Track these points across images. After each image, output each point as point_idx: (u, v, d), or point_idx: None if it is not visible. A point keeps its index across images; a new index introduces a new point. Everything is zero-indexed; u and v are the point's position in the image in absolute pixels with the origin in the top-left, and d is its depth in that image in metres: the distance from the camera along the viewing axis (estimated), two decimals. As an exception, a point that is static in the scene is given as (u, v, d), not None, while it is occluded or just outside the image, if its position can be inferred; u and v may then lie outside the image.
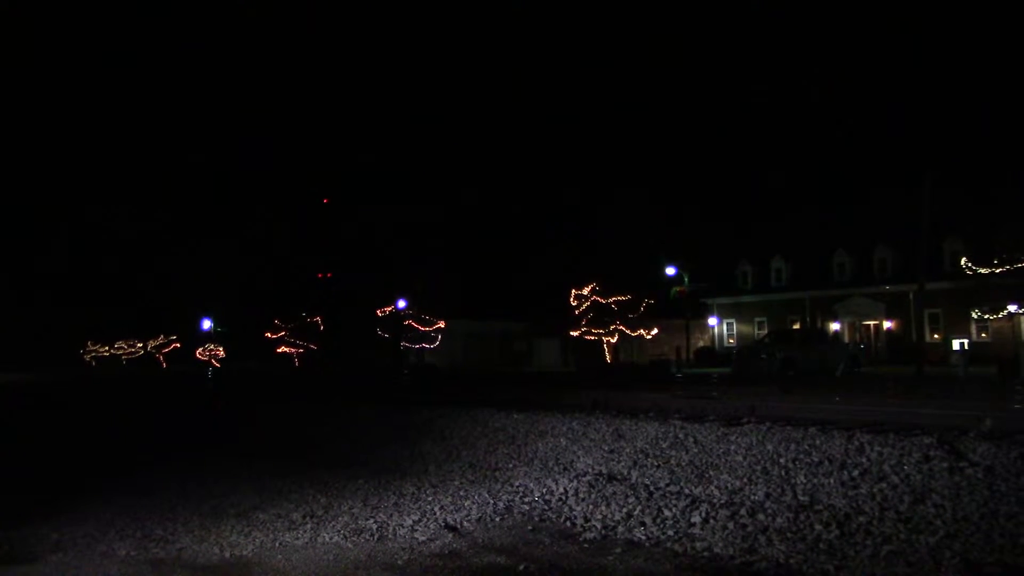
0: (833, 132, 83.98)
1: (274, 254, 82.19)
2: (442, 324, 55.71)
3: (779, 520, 8.07)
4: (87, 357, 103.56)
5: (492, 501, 10.14)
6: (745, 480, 9.42)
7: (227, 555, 8.26)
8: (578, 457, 11.83)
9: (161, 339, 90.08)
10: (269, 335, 65.58)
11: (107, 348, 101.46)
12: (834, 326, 45.51)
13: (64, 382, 45.04)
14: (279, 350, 65.53)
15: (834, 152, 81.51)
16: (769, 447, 10.14)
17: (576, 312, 49.16)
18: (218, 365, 69.00)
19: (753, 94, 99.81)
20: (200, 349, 75.88)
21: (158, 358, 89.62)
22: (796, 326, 45.92)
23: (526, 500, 10.12)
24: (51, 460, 15.60)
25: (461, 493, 10.70)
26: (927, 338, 38.20)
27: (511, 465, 12.19)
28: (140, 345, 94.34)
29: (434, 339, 55.76)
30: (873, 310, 44.77)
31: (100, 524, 9.67)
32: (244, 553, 8.30)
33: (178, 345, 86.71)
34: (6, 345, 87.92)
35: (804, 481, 8.98)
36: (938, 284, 37.86)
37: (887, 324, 44.12)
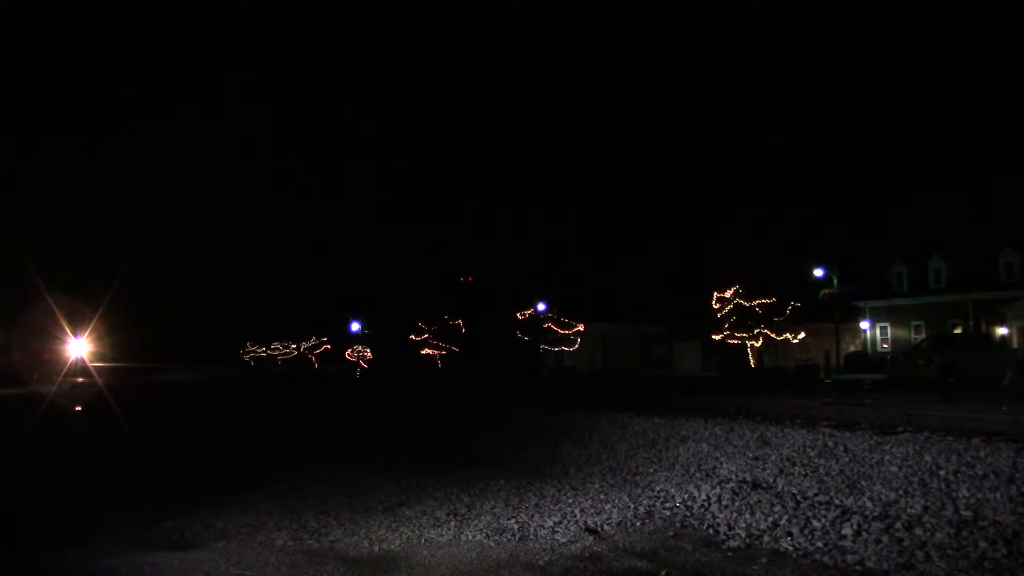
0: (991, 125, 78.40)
1: (418, 258, 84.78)
2: (581, 327, 55.68)
3: (939, 535, 7.63)
4: (246, 357, 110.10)
5: (632, 505, 10.08)
6: (901, 492, 8.95)
7: (376, 549, 8.59)
8: (721, 463, 11.58)
9: (313, 341, 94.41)
10: (413, 337, 67.46)
11: (264, 349, 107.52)
12: (1001, 331, 42.44)
13: (228, 381, 48.00)
14: (423, 352, 67.27)
15: (998, 145, 76.12)
16: (927, 458, 9.59)
17: (718, 315, 47.83)
18: (366, 366, 71.65)
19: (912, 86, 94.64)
20: (349, 350, 78.99)
21: (310, 358, 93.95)
22: (957, 330, 43.16)
23: (667, 505, 10.01)
24: (215, 454, 16.66)
25: (601, 497, 10.69)
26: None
27: (652, 470, 12.07)
28: (294, 346, 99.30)
29: (573, 342, 55.82)
30: (1047, 314, 41.48)
31: (259, 515, 10.25)
32: (392, 548, 8.61)
33: (328, 347, 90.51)
34: (177, 346, 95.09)
35: (967, 495, 8.44)
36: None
37: (1063, 329, 40.80)
